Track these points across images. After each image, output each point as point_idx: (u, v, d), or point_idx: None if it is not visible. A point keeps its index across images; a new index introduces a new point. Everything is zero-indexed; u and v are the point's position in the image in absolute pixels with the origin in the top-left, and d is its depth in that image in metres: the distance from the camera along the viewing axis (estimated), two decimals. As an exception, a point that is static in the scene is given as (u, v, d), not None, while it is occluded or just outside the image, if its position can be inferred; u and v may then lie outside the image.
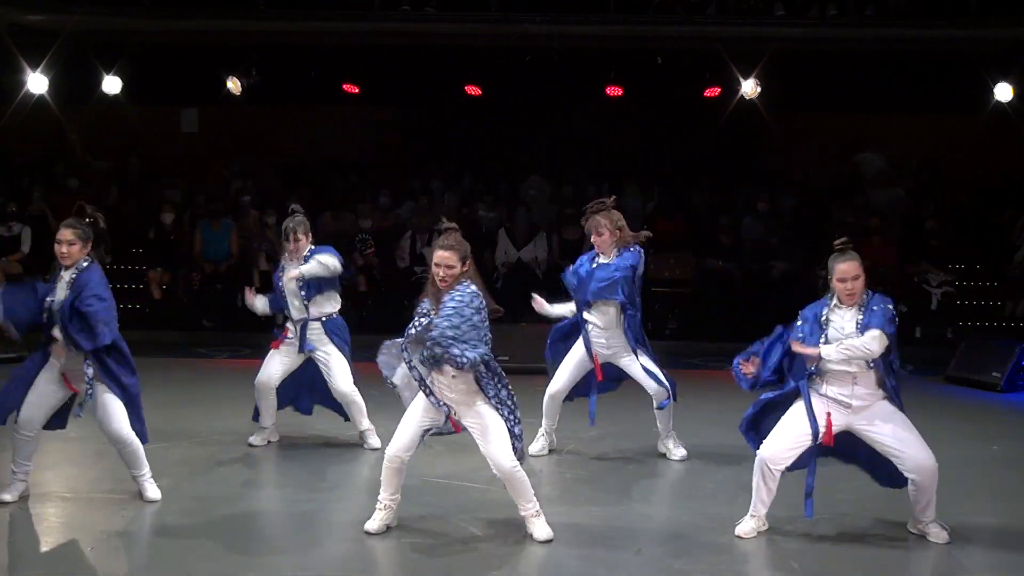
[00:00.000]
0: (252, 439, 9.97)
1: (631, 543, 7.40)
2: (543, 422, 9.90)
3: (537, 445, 9.87)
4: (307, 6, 17.41)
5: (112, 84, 17.75)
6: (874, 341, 7.17)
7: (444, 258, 7.16)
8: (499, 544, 7.30)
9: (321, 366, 9.82)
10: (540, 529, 7.37)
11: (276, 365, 9.84)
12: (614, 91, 18.77)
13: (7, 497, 7.90)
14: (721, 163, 19.98)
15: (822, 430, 7.35)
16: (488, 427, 7.28)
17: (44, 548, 7.22)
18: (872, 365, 7.29)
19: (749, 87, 17.12)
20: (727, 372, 13.38)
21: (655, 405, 9.63)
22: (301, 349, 9.77)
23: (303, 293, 9.71)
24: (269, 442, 10.01)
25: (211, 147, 20.58)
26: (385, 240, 18.24)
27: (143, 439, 7.99)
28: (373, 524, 7.44)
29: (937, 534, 7.52)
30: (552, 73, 18.29)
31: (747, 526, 7.55)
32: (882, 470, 7.64)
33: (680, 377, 10.47)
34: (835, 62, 18.59)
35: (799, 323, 7.52)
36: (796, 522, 7.79)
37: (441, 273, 7.15)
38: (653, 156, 19.82)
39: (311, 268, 9.63)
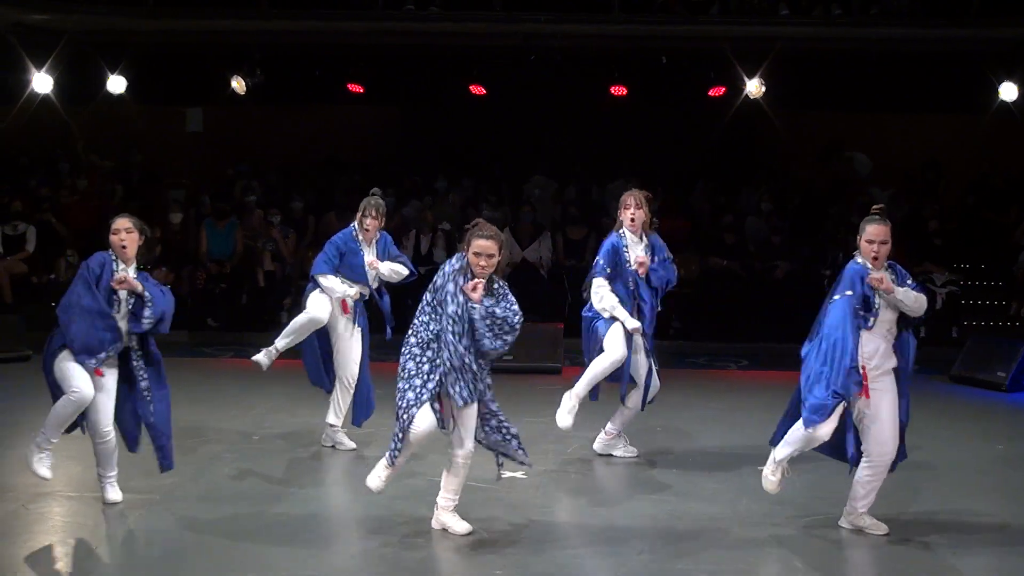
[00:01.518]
0: (259, 356, 9.95)
1: (634, 544, 7.40)
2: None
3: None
4: (311, 5, 17.41)
5: (117, 84, 17.76)
6: (923, 299, 7.42)
7: (486, 247, 7.26)
8: (503, 545, 7.30)
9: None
10: (458, 524, 7.50)
11: (326, 309, 9.88)
12: (619, 90, 18.78)
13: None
14: (725, 162, 19.97)
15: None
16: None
17: (49, 547, 7.22)
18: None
19: (753, 87, 17.10)
20: (730, 372, 13.44)
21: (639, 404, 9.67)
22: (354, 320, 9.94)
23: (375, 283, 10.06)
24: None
25: (216, 147, 20.59)
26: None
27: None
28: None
29: (875, 525, 7.56)
30: (556, 73, 18.29)
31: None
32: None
33: (683, 377, 10.54)
34: (839, 62, 18.58)
35: (848, 292, 7.41)
36: (799, 521, 7.79)
37: (483, 262, 7.25)
38: (657, 155, 19.80)
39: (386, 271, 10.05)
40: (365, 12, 17.37)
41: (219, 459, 9.49)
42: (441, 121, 20.20)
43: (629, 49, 18.50)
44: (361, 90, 19.29)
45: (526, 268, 17.57)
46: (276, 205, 18.46)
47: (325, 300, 9.87)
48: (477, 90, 18.97)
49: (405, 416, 7.21)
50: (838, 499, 7.77)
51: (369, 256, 9.98)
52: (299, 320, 9.89)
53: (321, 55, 18.99)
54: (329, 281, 9.84)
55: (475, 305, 7.21)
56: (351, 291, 9.88)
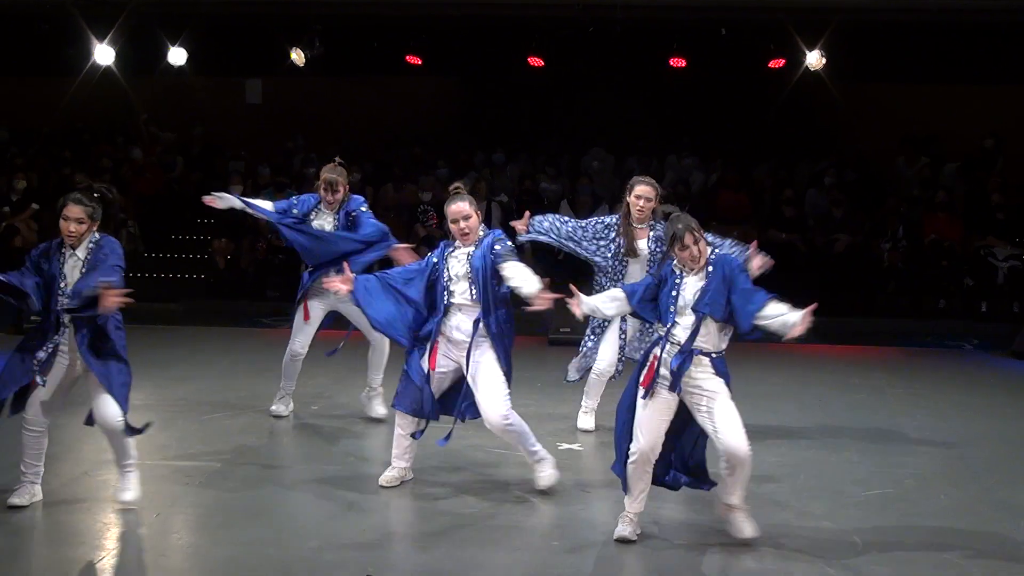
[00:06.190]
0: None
1: (650, 537, 7.37)
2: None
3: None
4: (371, -23, 17.46)
5: (177, 55, 17.88)
6: None
7: (646, 191, 8.70)
8: (526, 544, 7.32)
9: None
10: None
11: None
12: (678, 62, 18.66)
13: (17, 501, 7.23)
14: (785, 135, 19.83)
15: None
16: None
17: (113, 514, 7.28)
18: None
19: (814, 58, 16.96)
20: (789, 345, 13.27)
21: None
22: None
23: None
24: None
25: (275, 118, 20.70)
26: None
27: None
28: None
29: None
30: (615, 44, 18.20)
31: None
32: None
33: (742, 351, 10.36)
34: (901, 33, 18.35)
35: None
36: (860, 495, 7.73)
37: (641, 204, 8.69)
38: (717, 128, 19.72)
39: None
40: (425, -17, 17.38)
41: (278, 428, 9.55)
42: (499, 93, 20.21)
43: (688, 20, 18.36)
44: (419, 62, 19.30)
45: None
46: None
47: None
48: (535, 62, 18.93)
49: None
50: (901, 474, 7.69)
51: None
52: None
53: (380, 27, 19.01)
54: None
55: None
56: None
